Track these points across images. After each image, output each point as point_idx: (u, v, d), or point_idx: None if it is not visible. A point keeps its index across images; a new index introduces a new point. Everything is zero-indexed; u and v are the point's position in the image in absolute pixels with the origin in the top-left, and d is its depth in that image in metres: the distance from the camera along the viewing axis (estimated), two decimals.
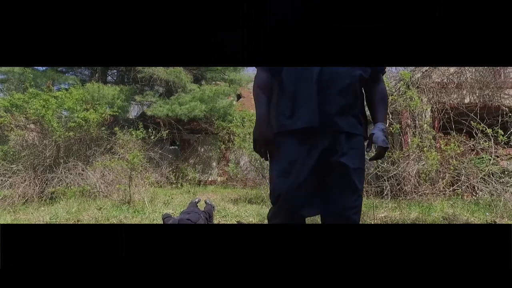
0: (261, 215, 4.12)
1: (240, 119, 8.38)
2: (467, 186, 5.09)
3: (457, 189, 5.04)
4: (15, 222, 3.72)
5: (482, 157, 5.07)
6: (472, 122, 5.06)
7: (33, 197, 5.05)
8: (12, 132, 5.51)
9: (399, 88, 5.99)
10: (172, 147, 10.25)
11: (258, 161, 6.49)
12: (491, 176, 4.72)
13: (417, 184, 5.18)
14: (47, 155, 5.50)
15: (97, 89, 7.43)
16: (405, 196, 5.04)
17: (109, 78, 10.13)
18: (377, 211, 4.01)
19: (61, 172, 5.47)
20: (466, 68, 5.88)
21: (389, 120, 5.72)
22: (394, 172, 5.27)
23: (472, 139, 5.23)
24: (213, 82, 9.88)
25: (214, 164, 10.37)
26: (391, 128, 5.40)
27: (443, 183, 5.17)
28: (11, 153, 5.56)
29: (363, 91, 1.50)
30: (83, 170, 5.63)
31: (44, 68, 8.69)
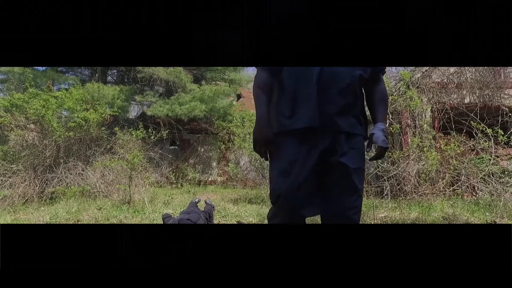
0: (261, 215, 4.12)
1: (240, 119, 8.38)
2: (467, 186, 5.09)
3: (457, 189, 5.04)
4: (15, 222, 3.72)
5: (482, 157, 5.07)
6: (472, 122, 5.06)
7: (33, 197, 5.06)
8: (12, 132, 5.51)
9: (399, 88, 5.99)
10: (172, 147, 10.25)
11: (258, 161, 6.49)
12: (491, 176, 4.72)
13: (417, 184, 5.18)
14: (47, 155, 5.51)
15: (97, 89, 7.43)
16: (405, 196, 5.04)
17: (109, 78, 10.13)
18: (377, 211, 4.01)
19: (61, 172, 5.47)
20: (466, 68, 5.88)
21: (389, 120, 5.71)
22: (394, 172, 5.27)
23: (472, 139, 5.23)
24: (213, 82, 9.88)
25: (214, 164, 10.37)
26: (391, 128, 5.40)
27: (443, 183, 5.17)
28: (11, 153, 5.56)
29: (363, 91, 1.50)
30: (83, 170, 5.63)
31: (44, 68, 8.69)
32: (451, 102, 5.92)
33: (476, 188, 5.00)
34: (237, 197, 5.88)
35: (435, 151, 5.24)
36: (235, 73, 10.35)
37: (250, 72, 11.38)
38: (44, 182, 5.36)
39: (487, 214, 3.92)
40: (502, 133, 4.73)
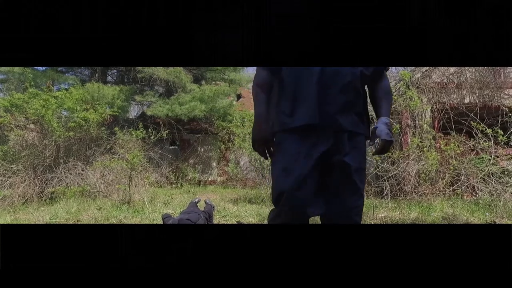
0: (261, 215, 4.11)
1: (240, 119, 8.37)
2: (467, 186, 5.09)
3: (457, 189, 5.04)
4: (15, 222, 3.72)
5: (482, 157, 5.07)
6: (472, 122, 5.06)
7: (33, 197, 5.06)
8: (12, 132, 5.50)
9: (399, 88, 5.99)
10: (172, 147, 10.25)
11: (258, 161, 6.48)
12: (491, 176, 4.73)
13: (417, 184, 5.18)
14: (47, 155, 5.50)
15: (97, 89, 7.42)
16: (405, 196, 5.04)
17: (109, 78, 10.13)
18: (377, 211, 4.01)
19: (61, 172, 5.47)
20: (466, 68, 5.88)
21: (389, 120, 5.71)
22: (394, 172, 5.27)
23: (472, 139, 5.23)
24: (213, 82, 9.87)
25: (214, 164, 10.37)
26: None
27: (443, 183, 5.17)
28: (11, 153, 5.56)
29: (365, 89, 1.50)
30: (83, 170, 5.63)
31: (44, 68, 8.69)
32: (451, 102, 5.92)
33: (476, 188, 5.00)
34: (237, 197, 5.88)
35: (435, 151, 5.24)
36: (235, 73, 10.35)
37: (250, 72, 11.37)
38: (44, 182, 5.36)
39: (487, 214, 3.92)
40: (502, 133, 4.73)
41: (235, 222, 3.84)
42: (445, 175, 5.24)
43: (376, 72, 1.48)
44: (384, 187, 5.28)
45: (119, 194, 5.17)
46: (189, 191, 7.10)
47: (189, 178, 8.67)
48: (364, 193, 1.48)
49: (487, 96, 5.91)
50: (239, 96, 11.82)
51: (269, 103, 1.47)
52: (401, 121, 5.96)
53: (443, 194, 5.06)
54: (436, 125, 5.92)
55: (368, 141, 1.48)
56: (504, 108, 5.60)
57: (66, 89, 6.85)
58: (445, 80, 6.09)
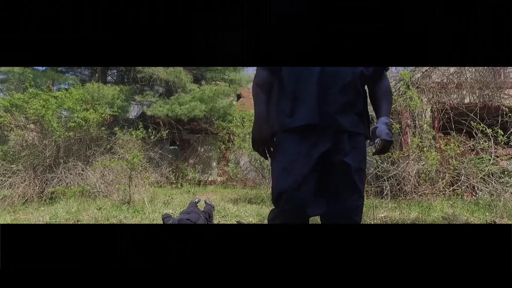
0: (261, 215, 4.11)
1: (240, 119, 8.37)
2: (467, 186, 5.09)
3: (457, 189, 5.04)
4: (15, 222, 3.72)
5: (482, 157, 5.07)
6: (472, 122, 5.07)
7: (33, 197, 5.05)
8: (12, 132, 5.51)
9: (399, 88, 5.99)
10: (172, 147, 10.25)
11: (258, 161, 6.48)
12: (491, 176, 4.73)
13: (417, 184, 5.18)
14: (47, 155, 5.50)
15: (97, 89, 7.42)
16: (405, 196, 5.04)
17: (109, 78, 10.13)
18: (377, 211, 4.01)
19: (61, 172, 5.47)
20: (466, 68, 5.88)
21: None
22: (394, 172, 5.27)
23: (472, 139, 5.23)
24: (213, 82, 9.87)
25: (214, 164, 10.37)
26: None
27: (443, 183, 5.17)
28: (11, 153, 5.56)
29: (365, 89, 1.50)
30: (83, 170, 5.63)
31: (44, 68, 8.69)
32: (451, 102, 5.92)
33: (476, 188, 5.00)
34: (237, 197, 5.88)
35: (435, 151, 5.24)
36: (235, 73, 10.35)
37: (250, 72, 11.37)
38: (44, 182, 5.36)
39: (487, 214, 3.92)
40: (502, 133, 4.73)
41: (235, 222, 3.84)
42: (445, 175, 5.25)
43: (376, 72, 1.48)
44: (384, 187, 5.28)
45: (119, 194, 5.17)
46: (189, 191, 7.10)
47: (189, 178, 8.67)
48: (364, 193, 1.48)
49: (487, 96, 5.91)
50: (239, 96, 11.82)
51: (269, 103, 1.47)
52: (401, 121, 5.96)
53: (443, 194, 5.06)
54: (436, 125, 5.92)
55: (368, 141, 1.49)
56: (504, 108, 5.60)
57: (66, 89, 6.85)
58: (445, 80, 6.09)
